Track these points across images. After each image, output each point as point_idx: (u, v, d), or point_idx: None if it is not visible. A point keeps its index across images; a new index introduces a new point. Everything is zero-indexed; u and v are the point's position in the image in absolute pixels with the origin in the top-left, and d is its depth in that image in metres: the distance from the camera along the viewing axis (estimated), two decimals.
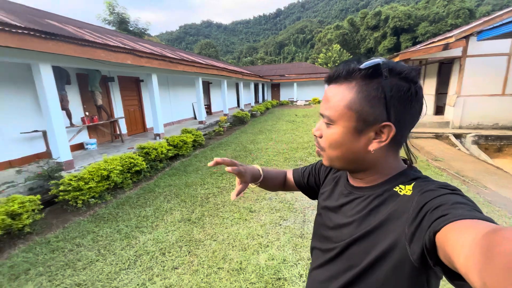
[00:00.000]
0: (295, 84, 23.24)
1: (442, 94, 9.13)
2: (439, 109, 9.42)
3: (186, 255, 2.42)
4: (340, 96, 0.52)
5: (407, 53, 7.71)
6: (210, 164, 0.68)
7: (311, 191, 0.85)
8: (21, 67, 4.85)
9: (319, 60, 36.84)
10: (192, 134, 6.81)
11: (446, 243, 0.36)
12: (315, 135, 0.60)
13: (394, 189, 0.53)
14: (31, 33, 3.56)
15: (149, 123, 8.74)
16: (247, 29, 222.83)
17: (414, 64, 10.77)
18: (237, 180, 0.76)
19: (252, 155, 6.03)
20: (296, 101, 22.95)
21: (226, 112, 12.37)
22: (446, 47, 6.71)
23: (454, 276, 0.38)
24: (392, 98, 0.49)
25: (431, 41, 10.24)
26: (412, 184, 0.52)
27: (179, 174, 4.75)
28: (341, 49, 36.58)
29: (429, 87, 9.93)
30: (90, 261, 2.36)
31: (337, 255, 0.58)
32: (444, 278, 0.42)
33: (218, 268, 2.21)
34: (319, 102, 22.99)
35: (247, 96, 19.70)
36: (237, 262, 2.28)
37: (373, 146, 0.52)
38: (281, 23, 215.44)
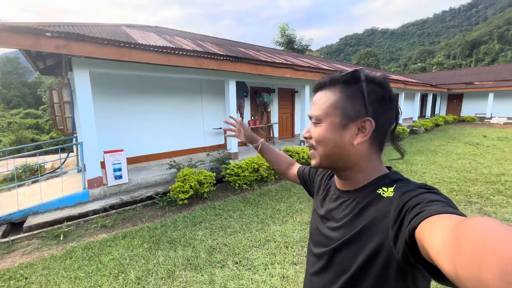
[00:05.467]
0: (490, 95, 16.73)
1: None
2: None
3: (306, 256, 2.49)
4: (326, 98, 0.60)
5: None
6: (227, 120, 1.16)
7: (307, 189, 0.93)
8: (217, 83, 6.91)
9: None
10: None
11: (422, 237, 0.38)
12: (305, 137, 0.66)
13: (377, 191, 0.56)
14: (227, 58, 5.02)
15: (297, 130, 9.60)
16: (422, 30, 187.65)
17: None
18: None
19: None
20: (490, 118, 16.55)
21: None
22: None
23: (437, 273, 0.39)
24: (369, 97, 0.55)
25: None
26: (394, 186, 0.54)
27: None
28: None
29: None
30: (235, 231, 3.01)
31: (328, 260, 0.61)
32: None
33: None
34: None
35: (409, 109, 16.64)
36: None
37: (357, 140, 0.57)
38: (478, 15, 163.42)
